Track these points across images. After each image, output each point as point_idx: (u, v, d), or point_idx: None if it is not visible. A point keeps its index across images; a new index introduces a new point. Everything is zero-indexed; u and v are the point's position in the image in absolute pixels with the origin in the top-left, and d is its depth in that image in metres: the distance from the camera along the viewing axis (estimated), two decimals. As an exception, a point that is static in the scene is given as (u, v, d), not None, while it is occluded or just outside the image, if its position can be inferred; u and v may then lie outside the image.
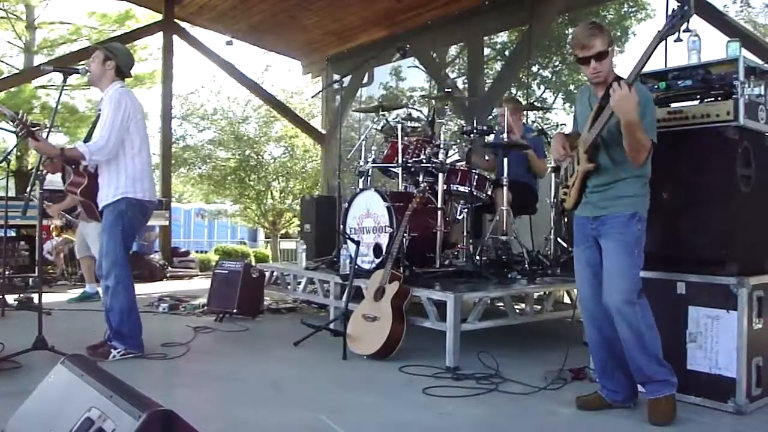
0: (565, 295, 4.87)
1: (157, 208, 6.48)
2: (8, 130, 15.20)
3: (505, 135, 4.87)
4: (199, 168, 13.80)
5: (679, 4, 2.58)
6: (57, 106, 4.67)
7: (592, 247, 2.99)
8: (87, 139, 3.92)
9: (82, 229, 6.62)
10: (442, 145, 4.83)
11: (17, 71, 14.00)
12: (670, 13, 2.60)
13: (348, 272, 4.48)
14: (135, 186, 3.88)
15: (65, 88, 4.24)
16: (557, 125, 9.55)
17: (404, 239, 4.29)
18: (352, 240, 4.47)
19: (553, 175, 5.31)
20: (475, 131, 4.99)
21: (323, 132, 11.41)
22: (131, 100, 3.87)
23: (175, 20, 9.89)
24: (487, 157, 5.41)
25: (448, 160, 4.87)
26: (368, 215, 4.72)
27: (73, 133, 15.55)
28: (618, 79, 2.85)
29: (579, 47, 2.83)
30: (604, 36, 2.80)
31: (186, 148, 13.70)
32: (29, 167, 13.56)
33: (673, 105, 3.30)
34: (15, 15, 14.58)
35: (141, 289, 6.80)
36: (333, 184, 8.17)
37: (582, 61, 2.86)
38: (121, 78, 3.99)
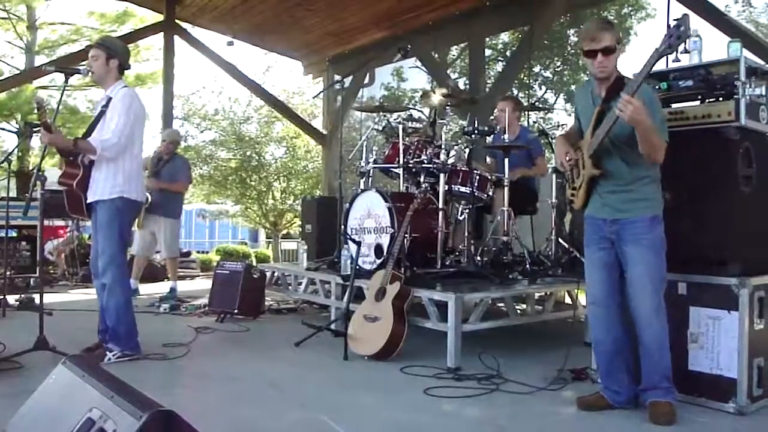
0: (566, 295, 4.87)
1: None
2: (9, 131, 15.25)
3: (506, 136, 4.86)
4: (201, 168, 13.78)
5: (675, 23, 2.55)
6: (58, 107, 4.71)
7: (607, 248, 2.97)
8: (86, 136, 3.91)
9: (152, 227, 6.55)
10: (443, 146, 4.82)
11: (18, 71, 14.02)
12: (666, 30, 2.57)
13: (349, 273, 4.48)
14: (130, 186, 3.91)
15: (66, 88, 4.26)
16: (559, 125, 9.54)
17: (405, 240, 4.28)
18: (353, 240, 4.47)
19: (554, 175, 5.30)
20: (476, 132, 4.98)
21: (324, 132, 11.41)
22: (139, 103, 3.95)
23: (176, 21, 9.90)
24: (488, 161, 5.39)
25: (450, 161, 4.87)
26: (369, 216, 4.72)
27: (74, 133, 15.53)
28: (621, 79, 2.84)
29: (588, 39, 2.85)
30: (614, 33, 2.84)
31: (187, 149, 13.67)
32: (30, 167, 13.56)
33: (674, 105, 3.30)
34: (16, 16, 14.60)
35: (142, 289, 6.83)
36: (334, 185, 8.17)
37: (588, 54, 2.86)
38: (122, 74, 4.04)
